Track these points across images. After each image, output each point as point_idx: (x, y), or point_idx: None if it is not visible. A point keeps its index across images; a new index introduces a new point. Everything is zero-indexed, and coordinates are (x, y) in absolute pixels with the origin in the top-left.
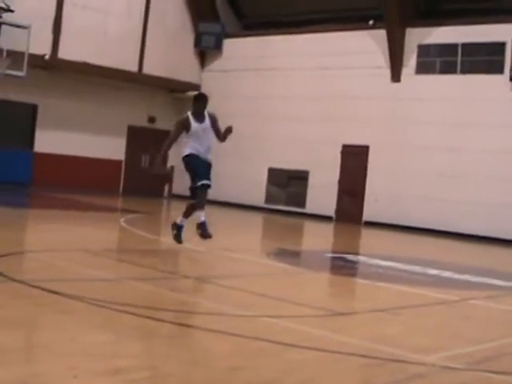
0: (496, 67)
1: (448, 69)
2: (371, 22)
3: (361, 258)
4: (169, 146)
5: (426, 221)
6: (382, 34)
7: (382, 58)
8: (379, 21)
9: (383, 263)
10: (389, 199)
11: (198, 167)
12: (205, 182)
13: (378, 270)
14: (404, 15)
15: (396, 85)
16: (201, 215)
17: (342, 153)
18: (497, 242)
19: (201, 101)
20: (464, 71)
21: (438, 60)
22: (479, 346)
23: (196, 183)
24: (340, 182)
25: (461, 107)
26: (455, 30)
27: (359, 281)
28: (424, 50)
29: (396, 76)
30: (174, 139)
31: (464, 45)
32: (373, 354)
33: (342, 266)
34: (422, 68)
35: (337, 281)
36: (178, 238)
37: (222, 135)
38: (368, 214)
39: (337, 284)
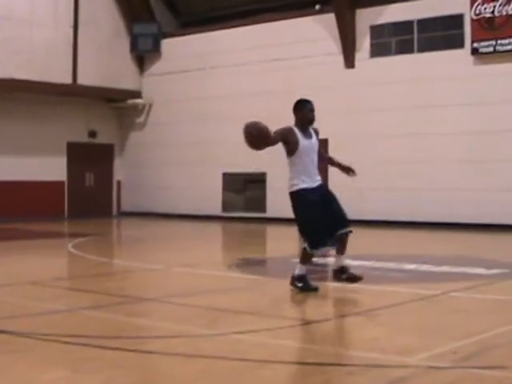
0: (456, 41)
1: (404, 48)
2: (318, 7)
3: (330, 260)
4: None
5: (392, 212)
6: (330, 18)
7: (333, 44)
8: (327, 4)
9: (354, 263)
10: (353, 193)
11: (314, 216)
12: (340, 231)
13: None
14: None
15: (350, 71)
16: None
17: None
18: (472, 228)
19: (308, 107)
20: (422, 49)
21: (393, 40)
22: (464, 341)
23: (316, 247)
24: None
25: (422, 88)
26: (408, 6)
27: (330, 284)
28: (377, 31)
29: (350, 61)
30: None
31: (419, 21)
32: (352, 361)
33: (311, 271)
34: (377, 50)
35: None
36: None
37: (342, 167)
38: None
39: None
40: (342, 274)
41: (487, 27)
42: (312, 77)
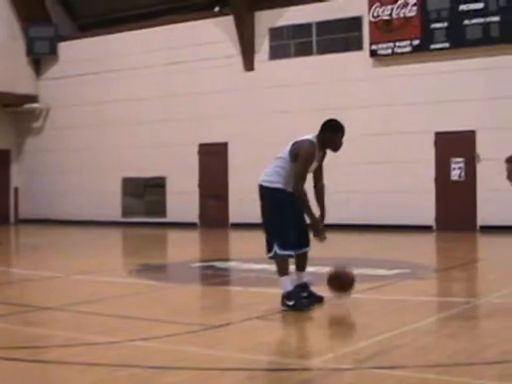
0: (354, 44)
1: (304, 51)
2: (217, 9)
3: (231, 264)
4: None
5: None
6: (229, 20)
7: (232, 47)
8: (226, 6)
9: (255, 266)
10: (254, 197)
11: (296, 223)
12: (306, 249)
13: (251, 275)
14: None
15: (250, 73)
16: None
17: (200, 153)
18: (371, 229)
19: (341, 134)
20: (321, 51)
21: (292, 42)
22: (366, 342)
23: (290, 248)
24: (200, 185)
25: (321, 90)
26: (307, 8)
27: (232, 288)
28: (276, 34)
29: (249, 64)
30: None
31: (318, 23)
32: (253, 365)
33: (212, 275)
34: (276, 52)
35: (208, 292)
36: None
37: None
38: (234, 215)
39: (208, 295)
40: (303, 292)
41: (385, 29)
42: (212, 79)
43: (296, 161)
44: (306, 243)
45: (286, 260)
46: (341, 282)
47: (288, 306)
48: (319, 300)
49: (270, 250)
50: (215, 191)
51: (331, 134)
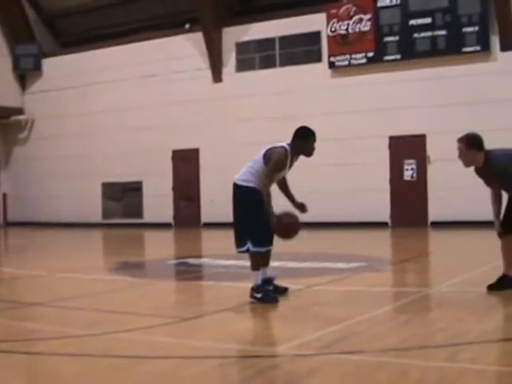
0: (314, 56)
1: (268, 63)
2: (187, 26)
3: (203, 261)
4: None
5: None
6: (199, 36)
7: (201, 61)
8: (195, 23)
9: (226, 262)
10: (224, 198)
11: (267, 221)
12: (271, 247)
13: (222, 270)
14: (219, 16)
15: (218, 85)
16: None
17: (173, 158)
18: (332, 226)
19: (313, 139)
20: (283, 64)
21: (257, 56)
22: (326, 330)
23: (263, 245)
24: (174, 188)
25: (284, 100)
26: (271, 24)
27: (204, 283)
28: (242, 48)
29: (217, 76)
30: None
31: (281, 38)
32: (225, 353)
33: (186, 271)
34: (242, 65)
35: (182, 287)
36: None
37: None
38: (206, 215)
39: (182, 290)
40: (269, 285)
41: (342, 43)
42: (183, 91)
43: (267, 164)
44: (272, 241)
45: (259, 256)
46: (287, 225)
47: (256, 298)
48: (284, 291)
49: (239, 245)
50: (188, 193)
51: (303, 140)
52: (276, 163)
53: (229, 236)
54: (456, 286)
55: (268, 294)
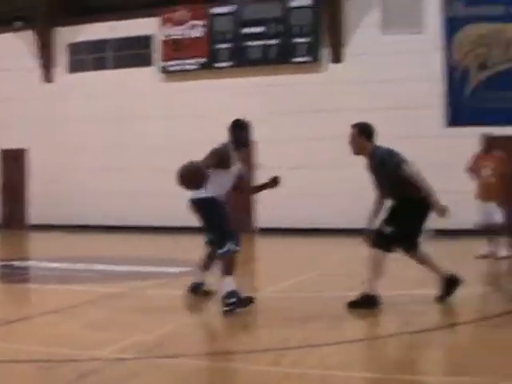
0: (145, 60)
1: (100, 65)
2: (18, 24)
3: (29, 263)
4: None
5: (102, 217)
6: (30, 35)
7: (32, 60)
8: (27, 22)
9: (52, 265)
10: (56, 200)
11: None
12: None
13: (47, 273)
14: (51, 15)
15: (49, 85)
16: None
17: (3, 158)
18: (160, 231)
19: (245, 129)
20: (116, 66)
21: (89, 57)
22: (147, 335)
23: (228, 246)
24: (4, 188)
25: (116, 102)
26: (103, 26)
27: (29, 286)
28: (75, 49)
29: (48, 77)
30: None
31: (113, 40)
32: (47, 357)
33: (11, 274)
34: (75, 66)
35: (6, 289)
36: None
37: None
38: (34, 216)
39: (6, 292)
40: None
41: (175, 48)
42: (12, 90)
43: (216, 168)
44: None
45: (234, 258)
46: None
47: (231, 303)
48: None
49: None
50: (16, 194)
51: (238, 131)
52: (215, 153)
53: (56, 239)
54: (279, 292)
55: (241, 297)
